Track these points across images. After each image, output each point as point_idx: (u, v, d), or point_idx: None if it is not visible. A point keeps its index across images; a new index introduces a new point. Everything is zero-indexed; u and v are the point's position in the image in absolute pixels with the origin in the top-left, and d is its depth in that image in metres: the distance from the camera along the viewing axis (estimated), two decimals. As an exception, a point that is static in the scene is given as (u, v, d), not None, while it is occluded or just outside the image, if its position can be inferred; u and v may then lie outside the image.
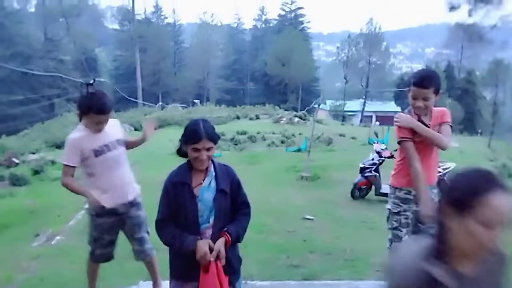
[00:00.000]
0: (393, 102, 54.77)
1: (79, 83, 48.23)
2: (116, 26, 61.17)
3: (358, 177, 8.19)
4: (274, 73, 53.67)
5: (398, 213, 2.86)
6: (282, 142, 20.07)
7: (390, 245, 2.98)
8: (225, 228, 2.17)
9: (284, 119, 27.71)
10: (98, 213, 2.78)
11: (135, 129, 24.16)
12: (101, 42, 62.91)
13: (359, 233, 5.73)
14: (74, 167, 2.72)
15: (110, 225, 2.82)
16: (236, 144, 19.64)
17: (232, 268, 2.20)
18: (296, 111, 37.90)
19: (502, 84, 48.58)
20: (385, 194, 8.16)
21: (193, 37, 65.20)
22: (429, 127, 2.81)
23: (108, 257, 2.91)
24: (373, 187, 8.24)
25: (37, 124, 33.07)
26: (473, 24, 20.71)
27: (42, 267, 4.06)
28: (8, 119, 38.03)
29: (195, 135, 2.09)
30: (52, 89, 45.66)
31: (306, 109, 33.04)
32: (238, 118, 30.53)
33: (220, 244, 2.11)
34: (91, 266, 2.94)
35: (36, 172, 13.39)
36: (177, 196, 2.16)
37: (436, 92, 2.74)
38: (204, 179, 2.21)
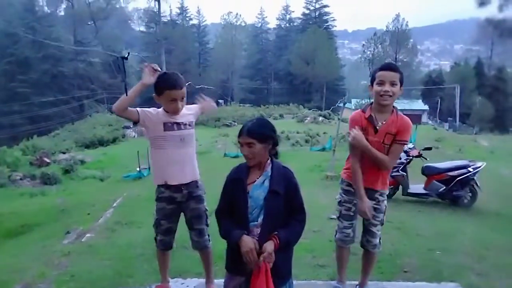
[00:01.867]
0: (420, 101, 53.63)
1: (107, 84, 49.28)
2: (143, 28, 62.29)
3: (384, 177, 8.06)
4: (298, 72, 53.49)
5: (340, 203, 2.91)
6: (307, 141, 19.99)
7: (335, 235, 3.06)
8: (276, 232, 2.15)
9: (308, 118, 27.58)
10: (159, 196, 2.86)
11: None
12: (129, 44, 64.17)
13: (386, 234, 5.57)
14: (138, 113, 2.76)
15: (168, 212, 2.87)
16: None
17: (279, 272, 2.17)
18: (320, 110, 37.64)
19: (534, 81, 46.89)
20: (413, 194, 8.04)
21: (217, 38, 65.72)
22: (377, 130, 2.74)
23: (166, 245, 2.96)
24: (400, 187, 8.10)
25: (67, 125, 34.08)
26: (503, 20, 19.92)
27: (72, 264, 4.17)
28: (39, 119, 39.27)
29: (241, 129, 2.25)
30: (81, 90, 46.91)
31: (332, 108, 32.75)
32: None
33: (270, 246, 2.11)
34: (157, 253, 3.02)
35: (66, 171, 13.81)
36: (232, 191, 2.26)
37: (401, 82, 2.75)
38: (259, 177, 2.25)
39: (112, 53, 50.82)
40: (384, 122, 2.75)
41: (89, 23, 53.58)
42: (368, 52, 54.40)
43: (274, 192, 2.19)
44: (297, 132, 22.16)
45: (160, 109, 2.88)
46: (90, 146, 22.86)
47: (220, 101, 46.53)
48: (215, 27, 73.94)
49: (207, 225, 2.94)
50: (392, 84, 2.71)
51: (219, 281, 2.89)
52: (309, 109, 37.55)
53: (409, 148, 8.29)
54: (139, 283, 3.57)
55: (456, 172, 7.73)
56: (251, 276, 2.12)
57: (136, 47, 64.69)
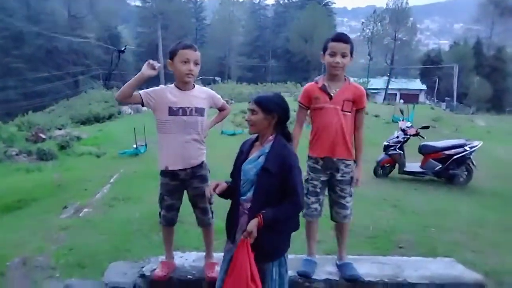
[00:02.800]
0: (418, 80, 53.39)
1: (102, 60, 48.78)
2: (138, 3, 61.10)
3: (381, 155, 8.08)
4: (296, 50, 52.91)
5: (307, 181, 2.92)
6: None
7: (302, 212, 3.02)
8: (263, 211, 2.14)
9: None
10: (163, 170, 2.83)
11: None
12: (124, 19, 63.17)
13: (382, 211, 5.68)
14: (140, 95, 2.72)
15: (171, 188, 2.85)
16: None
17: (263, 250, 2.18)
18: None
19: (533, 61, 46.66)
20: (409, 173, 8.09)
21: (214, 14, 64.65)
22: (332, 96, 2.80)
23: (169, 221, 2.93)
24: (396, 165, 8.14)
25: (62, 101, 33.76)
26: (505, -2, 19.76)
27: (71, 238, 4.19)
28: (34, 95, 38.93)
29: (250, 98, 2.33)
30: (76, 66, 46.35)
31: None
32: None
33: (252, 224, 2.13)
34: (162, 229, 3.02)
35: (62, 147, 13.74)
36: (235, 161, 2.39)
37: (351, 52, 2.81)
38: (256, 152, 2.29)
39: (107, 29, 50.14)
40: (338, 90, 2.83)
41: (84, -3, 52.55)
42: (368, 30, 53.70)
43: (266, 170, 2.18)
44: (294, 111, 21.96)
45: (170, 86, 2.80)
46: (85, 123, 22.71)
47: (217, 78, 46.21)
48: (212, 3, 72.65)
49: (211, 203, 2.92)
50: (343, 55, 2.78)
51: (218, 255, 2.91)
52: (307, 88, 37.35)
53: (407, 127, 8.30)
54: (137, 257, 3.59)
55: (452, 151, 7.76)
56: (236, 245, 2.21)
57: (132, 22, 63.73)
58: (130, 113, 24.17)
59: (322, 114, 2.84)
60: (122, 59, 54.05)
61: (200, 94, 2.85)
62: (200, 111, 2.79)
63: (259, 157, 2.24)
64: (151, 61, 2.65)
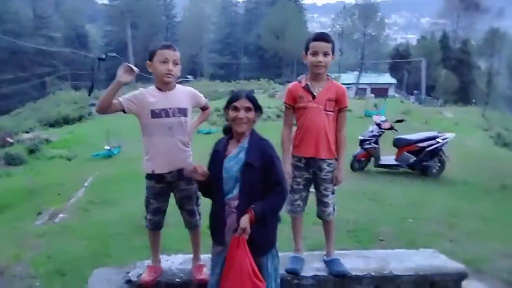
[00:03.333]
0: (388, 74, 54.45)
1: (70, 60, 47.48)
2: (106, 1, 59.76)
3: (357, 150, 8.20)
4: (268, 47, 52.96)
5: (291, 179, 2.95)
6: (278, 116, 19.99)
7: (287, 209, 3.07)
8: (252, 205, 2.15)
9: (279, 93, 27.53)
10: (149, 174, 2.76)
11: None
12: (91, 18, 61.72)
13: (361, 205, 5.77)
14: (121, 103, 2.62)
15: (157, 191, 2.77)
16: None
17: (257, 244, 2.18)
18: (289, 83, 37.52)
19: (497, 54, 48.34)
20: (385, 166, 8.25)
21: (185, 11, 63.95)
22: (315, 96, 2.81)
23: (155, 225, 2.85)
24: (372, 158, 8.27)
25: (29, 103, 32.68)
26: (469, -7, 20.46)
27: (48, 245, 4.07)
28: (-2, 98, 37.50)
29: (236, 94, 2.29)
30: (42, 67, 44.88)
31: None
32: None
33: (244, 220, 2.12)
34: (148, 233, 2.93)
35: (31, 151, 13.34)
36: (211, 162, 2.33)
37: (333, 51, 2.83)
38: (235, 149, 2.27)
39: (74, 28, 48.83)
40: (321, 89, 2.84)
41: (48, -5, 50.98)
42: (338, 26, 54.40)
43: (249, 165, 2.18)
44: (269, 107, 22.13)
45: (150, 88, 2.74)
46: (54, 125, 22.04)
47: (190, 76, 45.73)
48: (182, 0, 71.89)
49: (198, 205, 2.88)
50: (325, 54, 2.78)
51: (204, 256, 2.88)
52: (280, 84, 37.48)
53: (381, 121, 8.44)
54: (118, 262, 3.51)
55: (425, 143, 7.96)
56: (229, 245, 2.17)
57: (100, 20, 62.27)
58: (101, 114, 23.68)
59: (306, 113, 2.84)
60: (90, 59, 52.91)
61: (182, 94, 2.79)
62: (183, 112, 2.73)
63: (239, 153, 2.24)
64: (127, 65, 2.53)
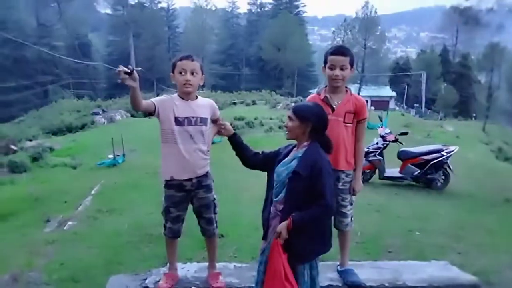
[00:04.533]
0: (388, 87, 54.75)
1: (72, 69, 47.62)
2: (109, 11, 60.26)
3: (363, 161, 8.22)
4: (269, 58, 53.33)
5: None
6: (280, 127, 20.05)
7: None
8: (293, 213, 2.25)
9: (280, 104, 27.69)
10: (168, 183, 2.81)
11: (132, 115, 24.05)
12: (94, 27, 62.14)
13: (367, 216, 5.78)
14: (154, 105, 2.72)
15: (177, 200, 2.82)
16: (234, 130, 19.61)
17: (294, 251, 2.26)
18: (292, 96, 37.83)
19: (497, 68, 48.70)
20: (390, 178, 8.28)
21: (187, 22, 64.38)
22: (334, 108, 2.84)
23: (175, 233, 2.91)
24: (377, 170, 8.31)
25: (32, 111, 32.81)
26: (469, 7, 20.68)
27: (59, 252, 4.09)
28: (1, 106, 37.60)
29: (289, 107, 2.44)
30: (45, 75, 45.14)
31: (305, 95, 32.91)
32: (234, 104, 30.42)
33: (282, 226, 2.26)
34: (166, 240, 2.97)
35: (35, 159, 13.31)
36: (271, 156, 2.57)
37: (351, 64, 2.86)
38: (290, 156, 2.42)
39: (77, 37, 49.12)
40: (340, 102, 2.87)
41: (52, 5, 51.39)
42: (338, 39, 54.84)
43: (296, 173, 2.28)
44: (270, 118, 22.22)
45: (174, 97, 2.82)
46: (57, 133, 22.08)
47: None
48: (184, 11, 72.39)
49: (215, 213, 2.92)
50: (342, 68, 2.82)
51: (218, 265, 2.91)
52: (281, 95, 37.66)
53: (386, 133, 8.50)
54: (130, 270, 3.53)
55: (430, 156, 8.00)
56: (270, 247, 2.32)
57: (103, 30, 62.70)
58: (104, 123, 23.71)
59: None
60: (92, 67, 53.21)
61: (204, 104, 2.87)
62: (204, 121, 2.81)
63: (292, 160, 2.37)
64: (119, 68, 2.45)
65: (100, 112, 25.82)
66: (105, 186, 8.05)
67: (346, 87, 2.95)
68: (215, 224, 2.93)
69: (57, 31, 50.30)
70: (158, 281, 2.83)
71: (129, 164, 10.79)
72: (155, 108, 2.71)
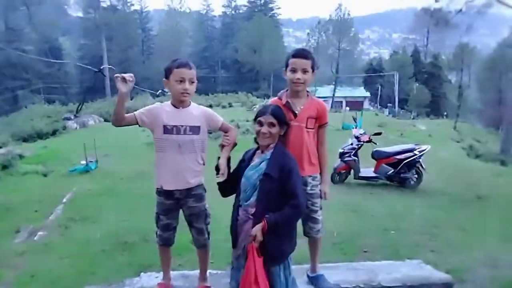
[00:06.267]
0: (362, 88, 55.68)
1: (43, 73, 46.48)
2: (81, 14, 59.01)
3: (337, 162, 8.32)
4: (245, 61, 53.37)
5: None
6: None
7: None
8: (267, 215, 2.23)
9: (257, 106, 27.73)
10: (159, 190, 2.75)
11: (105, 120, 23.61)
12: (65, 30, 60.77)
13: (343, 217, 5.85)
14: (135, 116, 2.67)
15: (167, 207, 2.76)
16: (210, 133, 19.42)
17: (269, 253, 2.25)
18: (268, 98, 37.79)
19: (466, 68, 50.07)
20: (364, 178, 8.39)
21: (161, 24, 63.71)
22: (296, 114, 2.78)
23: (165, 241, 2.83)
24: (352, 171, 8.41)
25: (1, 118, 31.76)
26: (439, 9, 21.19)
27: (30, 264, 3.96)
28: (-32, 113, 36.31)
29: (262, 110, 2.44)
30: (15, 80, 43.83)
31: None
32: (210, 106, 30.24)
33: (256, 229, 2.23)
34: (158, 248, 2.89)
35: (4, 167, 12.89)
36: (236, 169, 2.50)
37: (313, 68, 2.83)
38: (257, 159, 2.40)
39: (47, 41, 47.85)
40: (302, 107, 2.81)
41: (21, 8, 49.97)
42: (313, 41, 55.34)
43: (267, 175, 2.28)
44: (247, 121, 22.20)
45: (166, 104, 2.75)
46: (28, 140, 21.38)
47: (166, 89, 45.36)
48: (158, 14, 71.68)
49: (207, 224, 2.85)
50: (304, 71, 2.76)
51: (194, 272, 2.86)
52: (258, 97, 37.71)
53: (360, 134, 8.62)
54: (103, 281, 3.44)
55: (403, 155, 8.15)
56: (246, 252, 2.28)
57: (74, 33, 61.36)
58: (76, 127, 23.16)
59: (287, 132, 2.74)
60: (64, 72, 51.98)
61: (195, 112, 2.76)
62: (194, 130, 2.70)
63: (260, 163, 2.36)
64: (120, 76, 2.51)
65: (72, 118, 25.22)
66: (78, 194, 7.86)
67: (307, 91, 2.89)
68: (206, 235, 2.85)
69: (26, 35, 48.83)
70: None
71: (103, 170, 10.57)
72: (136, 119, 2.64)
